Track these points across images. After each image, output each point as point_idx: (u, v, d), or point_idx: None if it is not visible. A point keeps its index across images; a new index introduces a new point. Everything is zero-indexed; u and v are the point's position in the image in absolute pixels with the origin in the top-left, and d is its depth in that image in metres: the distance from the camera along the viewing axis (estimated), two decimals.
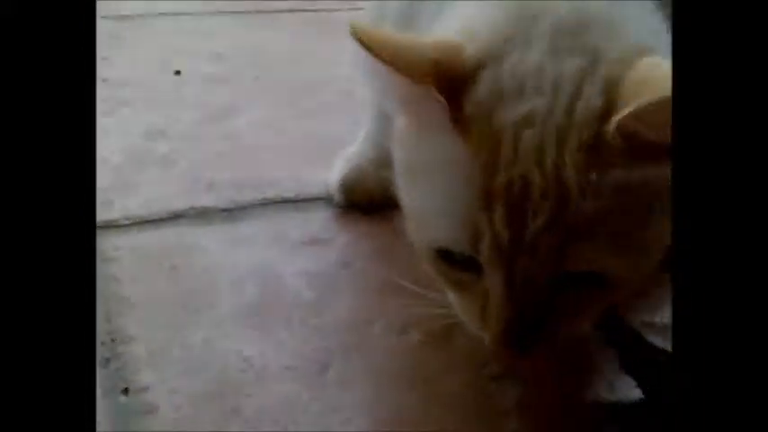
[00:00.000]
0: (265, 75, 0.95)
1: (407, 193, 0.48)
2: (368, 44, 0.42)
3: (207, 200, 0.70)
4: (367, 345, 0.55)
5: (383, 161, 0.61)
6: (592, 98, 0.42)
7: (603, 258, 0.42)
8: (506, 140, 0.42)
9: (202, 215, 0.68)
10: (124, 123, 0.81)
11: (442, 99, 0.42)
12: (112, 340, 0.54)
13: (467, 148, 0.43)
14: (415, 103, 0.44)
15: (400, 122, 0.47)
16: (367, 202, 0.69)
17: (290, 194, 0.71)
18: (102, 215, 0.66)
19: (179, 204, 0.69)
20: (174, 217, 0.68)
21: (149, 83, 0.91)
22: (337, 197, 0.70)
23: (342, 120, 0.82)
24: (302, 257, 0.63)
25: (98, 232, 0.64)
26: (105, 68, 0.90)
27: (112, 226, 0.65)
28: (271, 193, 0.71)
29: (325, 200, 0.70)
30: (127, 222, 0.66)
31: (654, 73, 0.42)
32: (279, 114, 0.85)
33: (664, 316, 0.56)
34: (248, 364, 0.52)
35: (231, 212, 0.69)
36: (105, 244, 0.63)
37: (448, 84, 0.43)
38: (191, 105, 0.86)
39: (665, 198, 0.40)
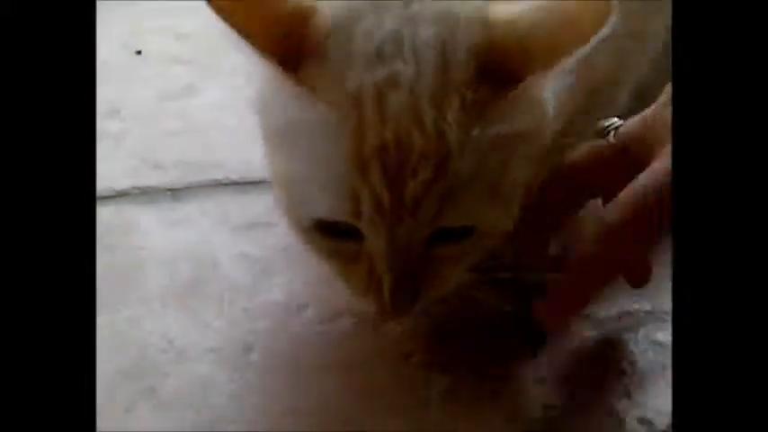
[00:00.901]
0: (227, 55, 0.94)
1: (274, 162, 0.48)
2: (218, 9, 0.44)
3: (152, 179, 0.69)
4: (295, 330, 0.54)
5: None
6: (461, 56, 0.43)
7: (478, 211, 0.44)
8: (369, 104, 0.42)
9: (145, 194, 0.68)
10: None
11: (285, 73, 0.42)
12: None
13: (327, 113, 0.43)
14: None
15: (260, 82, 0.47)
16: None
17: (236, 177, 0.70)
18: None
19: (123, 183, 0.68)
20: (117, 195, 0.67)
21: (108, 62, 0.90)
22: None
23: None
24: (241, 240, 0.63)
25: None
26: None
27: None
28: (218, 175, 0.70)
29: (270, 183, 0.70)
30: None
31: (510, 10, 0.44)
32: (236, 96, 0.84)
33: (599, 309, 0.56)
34: (170, 345, 0.52)
35: (175, 193, 0.68)
36: None
37: (292, 55, 0.43)
38: (148, 84, 0.85)
39: (528, 141, 0.44)
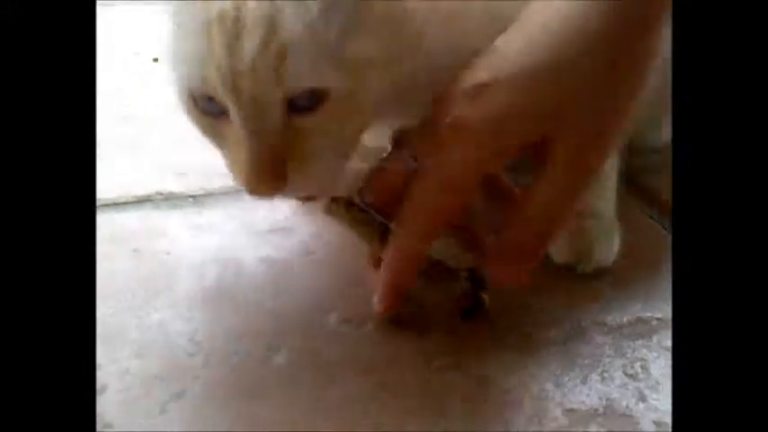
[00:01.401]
0: None
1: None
2: None
3: (174, 185, 0.71)
4: (319, 332, 0.55)
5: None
6: None
7: (320, 74, 0.45)
8: None
9: (168, 200, 0.69)
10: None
11: None
12: None
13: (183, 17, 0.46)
14: None
15: None
16: None
17: None
18: None
19: (146, 189, 0.70)
20: (141, 201, 0.68)
21: (123, 69, 0.92)
22: None
23: None
24: (265, 244, 0.64)
25: None
26: None
27: None
28: None
29: None
30: None
31: None
32: None
33: (616, 315, 0.57)
34: (198, 347, 0.53)
35: (197, 199, 0.69)
36: None
37: None
38: (165, 91, 0.86)
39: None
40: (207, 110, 0.48)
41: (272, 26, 0.44)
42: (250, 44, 0.44)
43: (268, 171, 0.47)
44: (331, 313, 0.57)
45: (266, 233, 0.65)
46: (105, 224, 0.65)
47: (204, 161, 0.73)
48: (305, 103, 0.46)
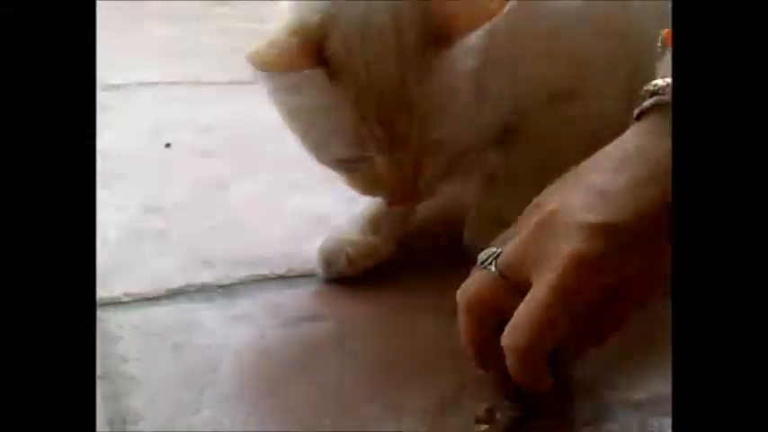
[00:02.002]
0: (251, 146, 0.99)
1: (297, 130, 0.68)
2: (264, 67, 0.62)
3: (204, 276, 0.73)
4: (357, 421, 0.58)
5: (378, 227, 0.75)
6: (409, 34, 0.62)
7: (443, 131, 0.65)
8: (362, 75, 0.62)
9: (200, 292, 0.71)
10: (119, 197, 0.85)
11: (319, 69, 0.62)
12: (123, 420, 0.56)
13: (338, 90, 0.62)
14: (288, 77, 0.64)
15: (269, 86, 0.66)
16: (350, 274, 0.73)
17: (283, 270, 0.74)
18: (104, 293, 0.69)
19: (177, 281, 0.72)
20: (173, 294, 0.71)
21: (141, 155, 0.95)
22: (320, 272, 0.74)
23: (329, 194, 0.86)
24: (297, 334, 0.67)
25: (101, 310, 0.67)
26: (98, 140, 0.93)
27: (114, 303, 0.68)
28: (264, 270, 0.74)
29: (316, 276, 0.74)
30: (128, 300, 0.69)
31: None
32: (268, 187, 0.89)
33: (640, 391, 0.61)
34: None
35: (228, 289, 0.72)
36: (109, 322, 0.66)
37: (315, 59, 0.62)
38: (182, 178, 0.90)
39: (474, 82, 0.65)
40: (346, 162, 0.67)
41: (411, 104, 0.62)
42: (400, 119, 0.63)
43: (409, 188, 0.66)
44: (367, 403, 0.59)
45: (298, 321, 0.68)
46: (141, 320, 0.67)
47: (229, 250, 0.77)
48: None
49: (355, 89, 0.62)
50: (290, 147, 0.97)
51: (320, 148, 0.67)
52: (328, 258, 0.73)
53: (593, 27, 0.71)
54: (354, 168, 0.67)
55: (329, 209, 0.84)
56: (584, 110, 0.72)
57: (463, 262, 0.74)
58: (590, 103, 0.72)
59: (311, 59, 0.62)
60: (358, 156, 0.65)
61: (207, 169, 0.92)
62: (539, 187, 0.60)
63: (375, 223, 0.75)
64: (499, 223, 0.75)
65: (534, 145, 0.73)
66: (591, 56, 0.72)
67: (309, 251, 0.75)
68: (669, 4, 0.47)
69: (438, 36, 0.62)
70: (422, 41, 0.62)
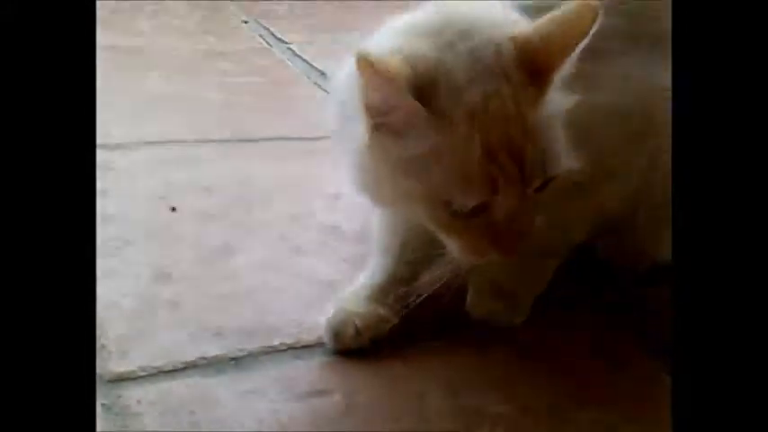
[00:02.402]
0: (255, 208, 1.01)
1: (398, 185, 0.68)
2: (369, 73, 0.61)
3: (215, 348, 0.75)
4: None
5: (384, 297, 0.77)
6: (513, 72, 0.65)
7: (551, 164, 0.67)
8: (481, 113, 0.64)
9: (213, 365, 0.74)
10: (130, 264, 0.87)
11: (422, 108, 0.63)
12: None
13: (451, 131, 0.64)
14: (391, 115, 0.64)
15: (364, 138, 0.67)
16: (357, 346, 0.75)
17: (291, 341, 0.77)
18: (122, 367, 0.71)
19: (191, 353, 0.74)
20: (187, 368, 0.73)
21: (148, 219, 0.97)
22: (328, 343, 0.76)
23: (331, 257, 0.90)
24: (307, 408, 0.69)
25: (119, 384, 0.69)
26: (104, 203, 0.96)
27: (132, 378, 0.71)
28: (274, 341, 0.77)
29: (324, 346, 0.77)
30: (143, 374, 0.71)
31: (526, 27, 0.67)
32: (273, 253, 0.92)
33: None
34: None
35: (239, 361, 0.74)
36: (128, 397, 0.68)
37: (421, 95, 0.63)
38: (189, 244, 0.92)
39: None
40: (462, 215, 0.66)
41: (533, 141, 0.65)
42: (529, 158, 0.65)
43: (516, 242, 0.68)
44: None
45: (308, 396, 0.71)
46: (158, 395, 0.69)
47: (238, 319, 0.79)
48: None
49: (476, 128, 0.64)
50: (290, 209, 1.02)
51: (425, 197, 0.67)
52: (336, 331, 0.75)
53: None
54: (460, 226, 0.68)
55: (333, 272, 0.87)
56: (601, 196, 0.78)
57: (467, 330, 0.79)
58: (609, 186, 0.78)
59: (418, 92, 0.63)
60: (485, 200, 0.65)
61: (212, 233, 0.95)
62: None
63: (381, 293, 0.78)
64: (500, 293, 0.80)
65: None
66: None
67: (317, 319, 0.78)
68: None
69: (538, 74, 0.65)
70: (525, 81, 0.65)
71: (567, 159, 0.67)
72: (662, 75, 0.75)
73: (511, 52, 0.65)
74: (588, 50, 0.66)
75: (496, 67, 0.65)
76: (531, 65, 0.65)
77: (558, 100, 0.67)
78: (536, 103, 0.65)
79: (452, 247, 0.70)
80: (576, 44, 0.64)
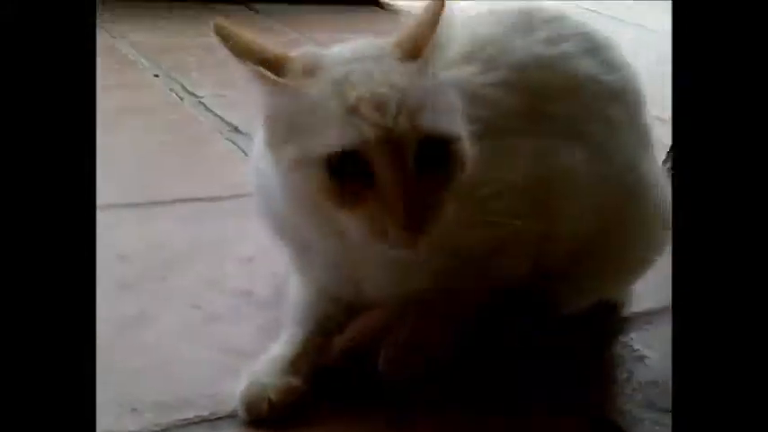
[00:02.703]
0: (170, 275, 1.03)
1: (285, 146, 0.72)
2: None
3: (132, 424, 0.77)
4: None
5: (297, 368, 0.80)
6: (388, 55, 0.74)
7: (439, 120, 0.72)
8: (341, 80, 0.71)
9: None
10: None
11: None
12: None
13: (311, 95, 0.71)
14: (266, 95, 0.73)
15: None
16: (271, 417, 0.78)
17: (207, 413, 0.79)
18: None
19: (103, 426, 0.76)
20: None
21: (109, 275, 0.98)
22: (242, 415, 0.79)
23: (245, 324, 0.92)
24: None
25: None
26: None
27: None
28: (190, 413, 0.79)
29: (238, 417, 0.79)
30: None
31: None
32: (188, 321, 0.94)
33: None
34: None
35: None
36: None
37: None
38: (103, 317, 0.92)
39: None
40: (339, 173, 0.69)
41: (402, 95, 0.70)
42: (398, 117, 0.69)
43: (416, 218, 0.69)
44: None
45: None
46: None
47: (155, 393, 0.81)
48: (433, 161, 0.71)
49: (335, 91, 0.71)
50: (203, 273, 1.03)
51: (313, 161, 0.70)
52: (250, 405, 0.78)
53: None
54: (350, 194, 0.70)
55: (247, 341, 0.90)
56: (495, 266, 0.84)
57: (380, 391, 0.82)
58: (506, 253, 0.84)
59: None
60: (354, 145, 0.69)
61: (128, 303, 0.96)
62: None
63: (294, 365, 0.81)
64: (413, 349, 0.84)
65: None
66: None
67: (231, 389, 0.80)
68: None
69: (410, 53, 0.74)
70: (401, 55, 0.74)
71: (449, 123, 0.73)
72: (559, 152, 0.82)
73: (390, 46, 0.75)
74: (489, 128, 0.74)
75: (373, 54, 0.74)
76: (405, 45, 0.74)
77: (453, 75, 0.78)
78: (413, 72, 0.72)
79: (350, 226, 0.72)
80: (434, 24, 0.74)
